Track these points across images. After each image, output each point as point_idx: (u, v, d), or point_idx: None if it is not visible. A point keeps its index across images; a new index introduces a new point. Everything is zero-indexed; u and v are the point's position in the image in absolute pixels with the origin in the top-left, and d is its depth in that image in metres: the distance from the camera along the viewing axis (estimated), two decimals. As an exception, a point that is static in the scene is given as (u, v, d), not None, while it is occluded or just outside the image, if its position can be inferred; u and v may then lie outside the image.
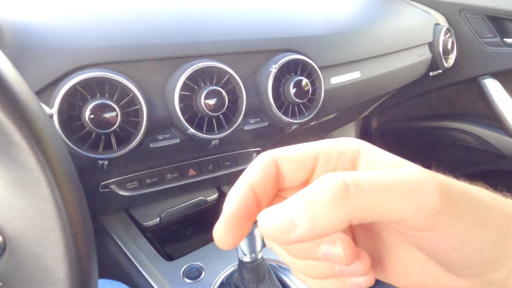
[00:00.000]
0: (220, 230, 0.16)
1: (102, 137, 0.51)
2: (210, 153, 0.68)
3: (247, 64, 0.62)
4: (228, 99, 0.57)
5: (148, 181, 0.63)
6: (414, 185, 0.15)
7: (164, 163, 0.64)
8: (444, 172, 0.19)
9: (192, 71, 0.54)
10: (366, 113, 1.43)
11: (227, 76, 0.57)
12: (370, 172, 0.15)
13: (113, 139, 0.51)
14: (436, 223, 0.15)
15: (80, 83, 0.48)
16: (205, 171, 0.68)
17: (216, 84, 0.57)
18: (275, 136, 0.76)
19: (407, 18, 0.97)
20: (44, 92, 0.49)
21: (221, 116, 0.57)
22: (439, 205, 0.15)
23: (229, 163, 0.70)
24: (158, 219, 0.75)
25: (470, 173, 1.20)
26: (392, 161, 0.18)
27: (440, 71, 1.07)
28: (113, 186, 0.62)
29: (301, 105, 0.65)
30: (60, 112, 0.47)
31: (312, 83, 0.65)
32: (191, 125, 0.55)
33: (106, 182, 0.61)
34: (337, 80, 0.73)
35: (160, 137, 0.56)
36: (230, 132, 0.58)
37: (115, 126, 0.49)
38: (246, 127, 0.62)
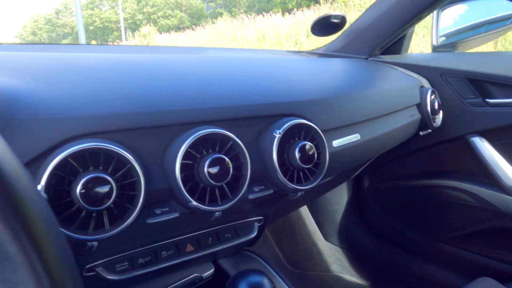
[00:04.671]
0: None
1: (94, 214, 0.45)
2: (210, 225, 0.62)
3: (249, 129, 0.60)
4: (232, 166, 0.53)
5: (140, 260, 0.56)
6: None
7: (159, 239, 0.57)
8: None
9: (194, 138, 0.51)
10: (357, 173, 1.42)
11: (231, 143, 0.54)
12: None
13: (105, 217, 0.45)
14: None
15: (72, 155, 0.43)
16: (204, 245, 0.61)
17: (219, 152, 0.53)
18: (278, 203, 0.71)
19: (395, 81, 1.00)
20: (31, 165, 0.44)
21: (224, 185, 0.53)
22: None
23: (230, 235, 0.64)
24: (147, 304, 0.66)
25: (470, 232, 1.17)
26: None
27: (430, 130, 1.09)
28: (99, 269, 0.54)
29: (306, 170, 0.62)
30: (47, 187, 0.42)
31: (316, 147, 0.63)
32: (192, 196, 0.50)
33: (92, 264, 0.53)
34: (338, 143, 0.71)
35: (158, 211, 0.50)
36: (235, 202, 0.53)
37: (109, 202, 0.44)
38: (251, 196, 0.57)
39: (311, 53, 1.33)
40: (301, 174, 0.62)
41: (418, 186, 1.28)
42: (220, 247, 0.63)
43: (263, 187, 0.59)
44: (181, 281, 0.70)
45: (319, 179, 0.63)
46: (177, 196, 0.50)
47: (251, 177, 0.56)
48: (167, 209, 0.51)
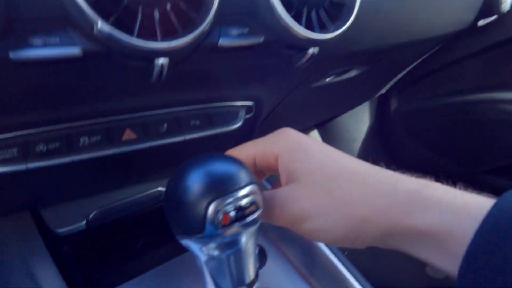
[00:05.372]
0: None
1: None
2: (165, 102, 0.39)
3: None
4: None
5: (40, 148, 0.34)
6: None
7: (74, 115, 0.35)
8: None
9: None
10: (383, 91, 1.15)
11: None
12: None
13: None
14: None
15: None
16: (153, 134, 0.38)
17: None
18: (274, 79, 0.46)
19: None
20: None
21: (169, 10, 0.29)
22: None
23: (198, 122, 0.41)
24: (83, 222, 0.45)
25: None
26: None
27: (493, 17, 0.79)
28: (-34, 157, 0.32)
29: (322, 11, 0.37)
30: None
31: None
32: (105, 18, 0.26)
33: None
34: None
35: (37, 41, 0.26)
36: (189, 43, 0.29)
37: None
38: (223, 42, 0.33)
39: None
40: (312, 17, 0.36)
41: (463, 103, 1.01)
42: (180, 138, 0.40)
43: (247, 29, 0.34)
44: (135, 196, 0.49)
45: (342, 29, 0.38)
46: (74, 16, 0.26)
47: (226, 11, 0.32)
48: (57, 39, 0.27)
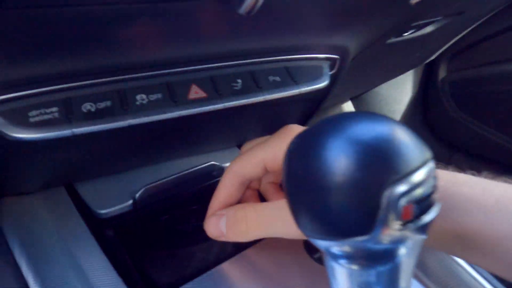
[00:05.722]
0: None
1: None
2: (239, 51, 0.30)
3: None
4: None
5: (87, 107, 0.25)
6: None
7: (128, 64, 0.26)
8: None
9: None
10: (433, 57, 1.04)
11: None
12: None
13: None
14: None
15: None
16: (227, 92, 0.30)
17: None
18: (373, 20, 0.36)
19: None
20: None
21: None
22: None
23: (278, 78, 0.32)
24: (130, 202, 0.38)
25: None
26: None
27: None
28: (-7, 118, 0.24)
29: None
30: None
31: None
32: None
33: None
34: None
35: None
36: None
37: None
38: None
39: None
40: None
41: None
42: (259, 98, 0.31)
43: None
44: (187, 171, 0.41)
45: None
46: None
47: None
48: None
